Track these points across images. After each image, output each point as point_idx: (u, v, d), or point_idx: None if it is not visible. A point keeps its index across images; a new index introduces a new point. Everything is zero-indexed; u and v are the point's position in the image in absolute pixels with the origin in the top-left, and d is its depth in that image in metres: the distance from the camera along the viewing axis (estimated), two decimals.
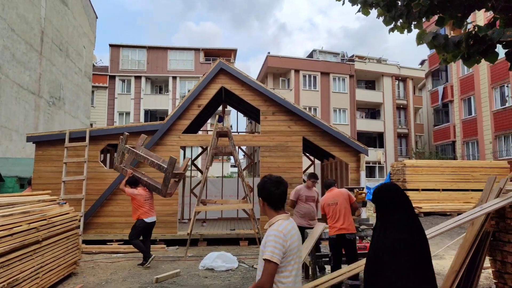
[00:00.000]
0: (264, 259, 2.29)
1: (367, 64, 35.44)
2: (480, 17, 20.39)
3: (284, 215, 2.50)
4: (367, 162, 33.66)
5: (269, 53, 33.16)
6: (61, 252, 6.23)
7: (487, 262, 5.54)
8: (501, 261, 4.96)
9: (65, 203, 7.02)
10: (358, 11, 5.14)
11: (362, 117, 35.98)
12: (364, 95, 34.83)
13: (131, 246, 9.09)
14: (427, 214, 14.38)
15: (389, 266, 2.44)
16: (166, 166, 7.39)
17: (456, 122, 25.50)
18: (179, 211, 11.64)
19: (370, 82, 36.87)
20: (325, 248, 8.01)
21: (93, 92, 28.56)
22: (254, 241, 9.45)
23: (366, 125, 34.59)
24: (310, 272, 6.39)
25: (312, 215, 7.06)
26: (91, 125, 27.40)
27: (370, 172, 33.71)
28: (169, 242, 9.64)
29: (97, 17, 24.65)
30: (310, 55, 36.97)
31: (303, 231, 6.71)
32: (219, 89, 10.29)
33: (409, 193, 15.04)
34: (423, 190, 15.02)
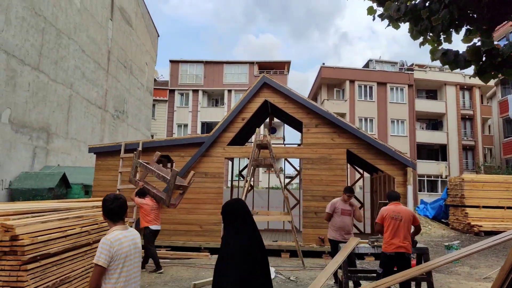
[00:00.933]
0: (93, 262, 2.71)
1: (428, 73, 33.80)
2: None
3: (120, 226, 2.91)
4: (429, 176, 31.91)
5: (323, 64, 33.03)
6: None
7: None
8: None
9: None
10: (388, 25, 5.13)
11: (422, 128, 34.25)
12: (425, 105, 33.19)
13: (177, 252, 9.65)
14: (488, 233, 13.30)
15: (233, 268, 2.77)
16: (169, 178, 7.84)
17: None
18: None
19: (432, 91, 35.05)
20: (359, 263, 7.84)
21: (154, 105, 30.50)
22: (296, 253, 9.47)
23: (427, 136, 32.86)
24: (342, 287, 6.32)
25: (347, 229, 6.97)
26: (152, 136, 29.19)
27: (432, 187, 31.88)
28: (213, 251, 9.97)
29: (158, 35, 26.40)
30: (366, 65, 36.16)
31: (337, 245, 6.67)
32: (263, 102, 10.55)
33: (467, 210, 14.10)
34: (484, 207, 13.96)
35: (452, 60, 3.46)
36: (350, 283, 6.46)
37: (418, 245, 6.10)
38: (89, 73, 16.24)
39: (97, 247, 6.14)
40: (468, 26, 4.31)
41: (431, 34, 4.78)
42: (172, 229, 10.07)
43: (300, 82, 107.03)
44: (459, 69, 3.55)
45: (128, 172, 10.09)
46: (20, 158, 11.28)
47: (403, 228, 5.53)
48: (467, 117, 33.83)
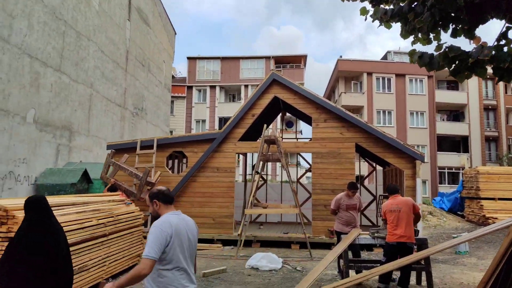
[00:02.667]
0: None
1: None
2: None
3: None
4: (450, 168, 31.39)
5: (341, 56, 32.86)
6: (125, 245, 7.11)
7: None
8: None
9: (131, 203, 7.98)
10: (380, 25, 5.31)
11: (443, 120, 33.65)
12: (446, 96, 32.56)
13: None
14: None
15: (25, 266, 2.71)
16: (141, 176, 9.22)
17: None
18: (240, 213, 12.36)
19: (453, 82, 34.29)
20: (367, 254, 8.03)
21: (172, 102, 31.13)
22: (305, 245, 9.74)
23: (448, 128, 32.27)
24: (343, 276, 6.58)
25: (354, 222, 7.20)
26: (171, 132, 29.89)
27: (453, 179, 31.35)
28: (225, 242, 10.37)
29: (175, 33, 26.92)
30: (385, 57, 35.69)
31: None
32: (273, 98, 10.80)
33: (483, 202, 13.99)
34: (500, 199, 13.83)
35: (428, 63, 3.66)
36: (352, 272, 6.70)
37: (418, 237, 6.28)
38: (108, 72, 16.88)
39: (113, 238, 6.57)
40: (454, 26, 4.48)
41: (420, 33, 4.97)
42: None
43: (323, 73, 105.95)
44: (433, 70, 3.75)
45: (143, 167, 10.60)
46: (44, 155, 11.91)
47: (403, 218, 5.75)
48: (490, 107, 33.00)
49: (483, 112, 32.53)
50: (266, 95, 10.84)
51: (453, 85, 34.41)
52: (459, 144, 33.06)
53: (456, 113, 34.07)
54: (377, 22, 4.97)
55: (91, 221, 6.14)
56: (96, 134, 15.55)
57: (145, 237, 9.30)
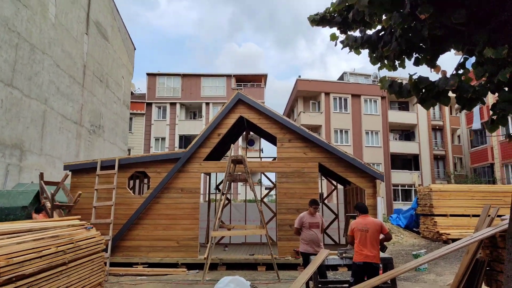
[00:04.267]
0: None
1: None
2: None
3: None
4: (403, 185, 32.84)
5: (299, 76, 33.75)
6: (86, 274, 6.67)
7: None
8: None
9: (92, 227, 7.56)
10: (350, 51, 5.53)
11: (395, 139, 35.34)
12: (398, 116, 34.33)
13: (155, 269, 9.70)
14: (456, 240, 13.91)
15: None
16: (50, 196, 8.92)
17: (493, 144, 24.53)
18: (204, 235, 12.08)
19: (404, 103, 36.30)
20: (333, 274, 8.12)
21: (131, 119, 30.26)
22: (271, 266, 9.64)
23: (400, 147, 33.92)
24: None
25: (317, 241, 7.27)
26: (129, 151, 28.94)
27: (406, 196, 32.81)
28: (191, 266, 10.04)
29: (135, 48, 26.43)
30: (341, 78, 37.14)
31: (308, 258, 6.95)
32: (238, 118, 10.82)
33: (436, 219, 14.70)
34: (451, 215, 14.61)
35: (397, 91, 3.85)
36: None
37: (382, 255, 6.45)
38: (64, 87, 16.16)
39: (73, 266, 6.13)
40: (417, 55, 4.76)
41: (386, 60, 5.22)
42: (149, 245, 10.12)
43: (284, 91, 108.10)
44: (402, 98, 3.95)
45: (104, 188, 10.15)
46: None
47: (370, 239, 5.88)
48: (437, 127, 35.14)
49: (431, 132, 34.58)
50: (231, 114, 10.84)
51: (403, 106, 36.38)
52: (411, 162, 34.77)
53: (407, 133, 35.94)
54: (340, 45, 5.17)
55: (50, 248, 5.75)
56: (50, 153, 14.73)
57: (105, 263, 8.93)
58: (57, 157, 15.04)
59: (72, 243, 6.40)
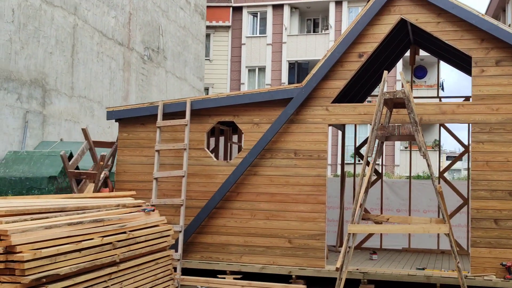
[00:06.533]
0: None
1: None
2: None
3: None
4: None
5: None
6: (146, 282, 4.90)
7: None
8: None
9: (153, 210, 5.67)
10: None
11: None
12: None
13: (253, 282, 7.28)
14: None
15: None
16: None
17: None
18: (334, 232, 9.20)
19: None
20: None
21: (208, 36, 22.21)
22: None
23: None
24: None
25: None
26: (207, 90, 24.38)
27: None
28: (312, 281, 7.04)
29: None
30: None
31: None
32: (397, 22, 6.93)
33: None
34: None
35: None
36: None
37: None
38: None
39: (126, 268, 4.37)
40: None
41: None
42: (243, 243, 7.18)
43: None
44: None
45: (169, 150, 7.65)
46: (5, 130, 8.48)
47: None
48: None
49: None
50: (384, 16, 6.87)
51: None
52: None
53: None
54: None
55: (92, 238, 4.03)
56: (85, 94, 11.41)
57: (175, 268, 6.24)
58: (95, 100, 11.75)
59: (125, 232, 4.67)
